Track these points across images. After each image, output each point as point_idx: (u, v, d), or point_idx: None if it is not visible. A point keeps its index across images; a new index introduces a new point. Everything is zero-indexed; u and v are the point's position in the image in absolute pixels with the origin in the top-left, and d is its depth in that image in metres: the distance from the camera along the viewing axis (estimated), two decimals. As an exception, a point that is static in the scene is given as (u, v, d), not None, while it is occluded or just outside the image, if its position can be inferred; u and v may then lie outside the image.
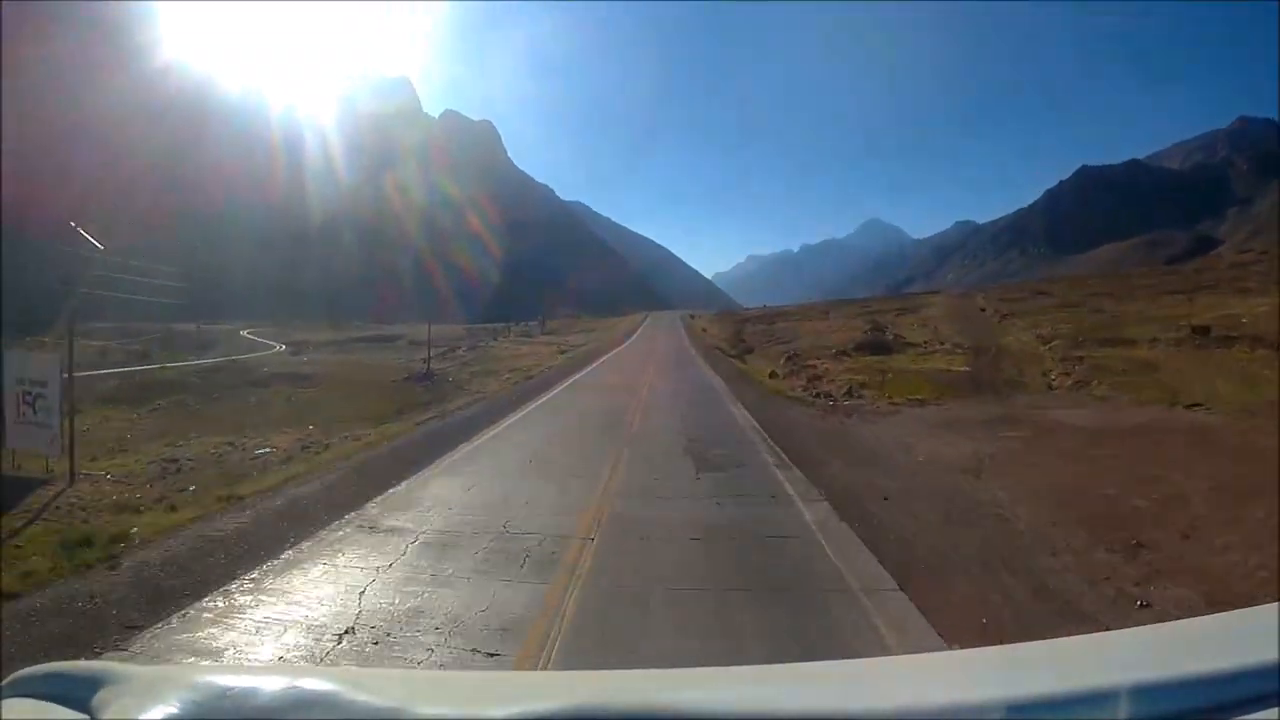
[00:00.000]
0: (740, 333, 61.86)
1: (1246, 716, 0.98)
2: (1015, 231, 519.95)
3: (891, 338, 42.29)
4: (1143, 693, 1.00)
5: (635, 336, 67.35)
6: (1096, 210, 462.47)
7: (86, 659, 4.94)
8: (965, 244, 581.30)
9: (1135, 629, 1.52)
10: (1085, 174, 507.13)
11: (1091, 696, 1.02)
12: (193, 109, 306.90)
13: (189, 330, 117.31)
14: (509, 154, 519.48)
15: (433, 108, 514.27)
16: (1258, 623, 1.23)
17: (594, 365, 38.42)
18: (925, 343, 40.21)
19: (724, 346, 50.98)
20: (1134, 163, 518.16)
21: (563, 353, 46.28)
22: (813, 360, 34.59)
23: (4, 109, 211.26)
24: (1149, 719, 0.99)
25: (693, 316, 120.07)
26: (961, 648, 4.55)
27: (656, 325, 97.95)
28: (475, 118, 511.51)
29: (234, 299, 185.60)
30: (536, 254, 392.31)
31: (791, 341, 46.35)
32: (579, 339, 64.77)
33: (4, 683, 1.28)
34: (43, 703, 1.21)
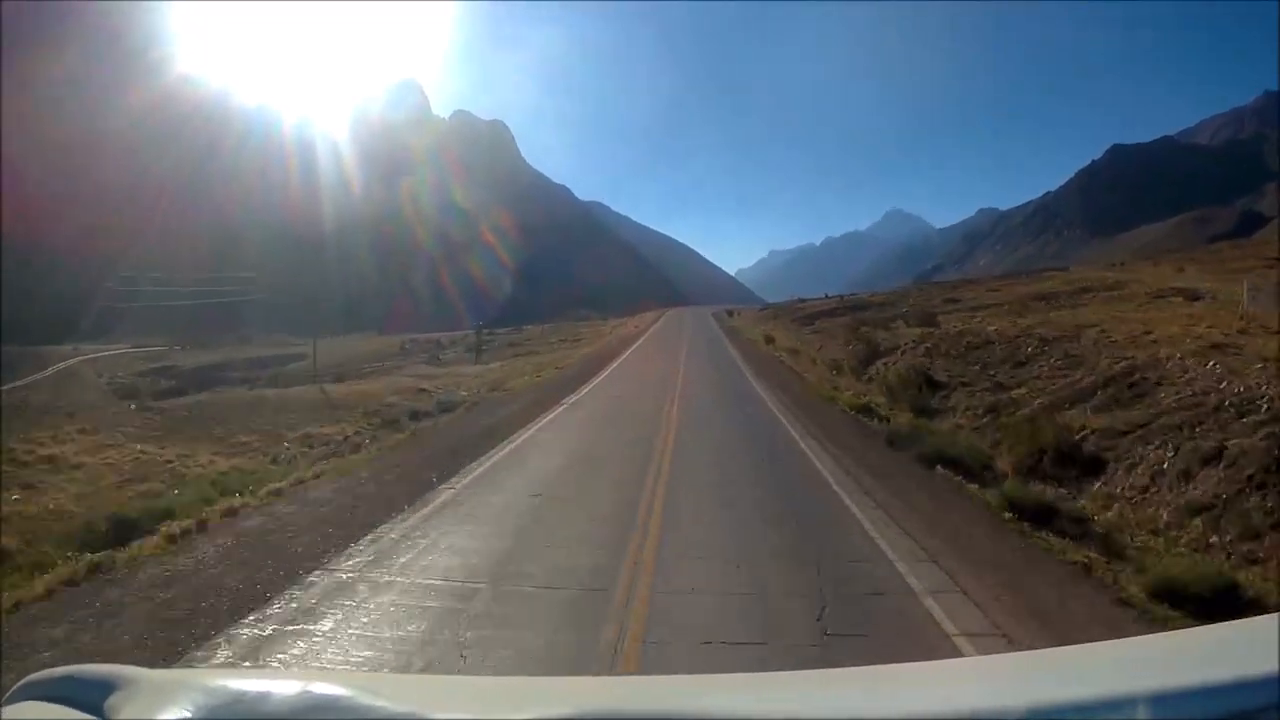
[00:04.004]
0: (870, 348, 24.43)
1: None
2: (1047, 214, 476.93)
3: None
4: (1163, 699, 0.96)
5: (622, 361, 31.06)
6: (1130, 190, 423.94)
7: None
8: (993, 230, 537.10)
9: (1155, 635, 1.44)
10: (1118, 153, 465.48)
11: (1111, 702, 0.98)
12: (209, 122, 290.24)
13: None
14: (523, 154, 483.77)
15: (442, 109, 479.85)
16: (1276, 629, 1.16)
17: None
18: None
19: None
20: (1166, 139, 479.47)
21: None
22: None
23: (21, 123, 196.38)
24: None
25: (731, 314, 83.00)
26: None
27: (679, 330, 60.41)
28: (486, 118, 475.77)
29: (253, 310, 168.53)
30: (552, 255, 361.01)
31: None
32: (497, 370, 28.50)
33: (17, 686, 1.23)
34: (56, 706, 1.16)
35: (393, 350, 69.56)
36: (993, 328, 23.24)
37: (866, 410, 16.02)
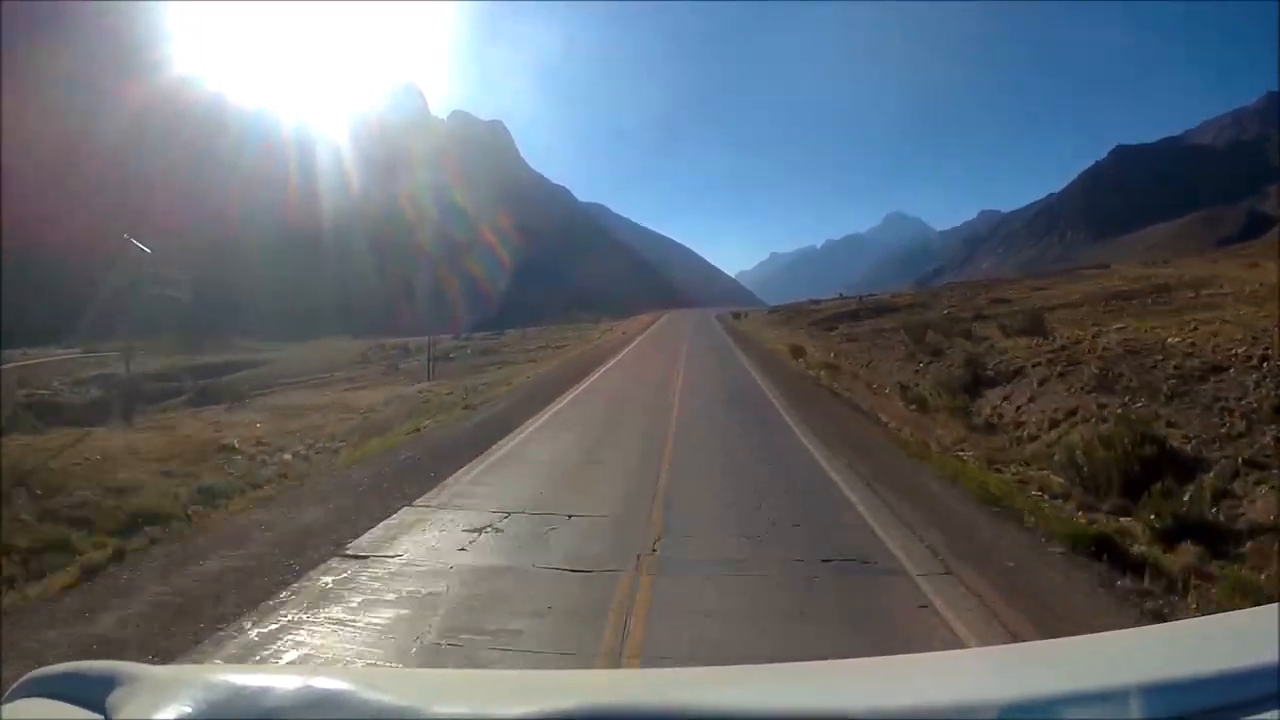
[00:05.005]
0: (969, 371, 15.55)
1: (1255, 716, 0.93)
2: (1050, 216, 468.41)
3: None
4: (1152, 692, 0.95)
5: (587, 387, 21.44)
6: (1134, 191, 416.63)
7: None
8: (995, 232, 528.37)
9: (1149, 627, 1.39)
10: (1122, 153, 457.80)
11: (1101, 695, 0.96)
12: (206, 123, 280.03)
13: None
14: (523, 155, 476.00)
15: (441, 110, 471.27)
16: (1266, 622, 1.16)
17: None
18: None
19: None
20: (1170, 140, 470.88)
21: None
22: None
23: (17, 123, 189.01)
24: (1158, 718, 0.93)
25: (737, 316, 74.34)
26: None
27: (677, 337, 51.60)
28: (485, 119, 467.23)
29: (253, 312, 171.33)
30: (552, 256, 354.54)
31: None
32: (408, 399, 20.35)
33: (19, 683, 1.22)
34: (57, 703, 1.16)
35: (352, 358, 60.93)
36: (1173, 339, 14.28)
37: (1105, 543, 7.00)
